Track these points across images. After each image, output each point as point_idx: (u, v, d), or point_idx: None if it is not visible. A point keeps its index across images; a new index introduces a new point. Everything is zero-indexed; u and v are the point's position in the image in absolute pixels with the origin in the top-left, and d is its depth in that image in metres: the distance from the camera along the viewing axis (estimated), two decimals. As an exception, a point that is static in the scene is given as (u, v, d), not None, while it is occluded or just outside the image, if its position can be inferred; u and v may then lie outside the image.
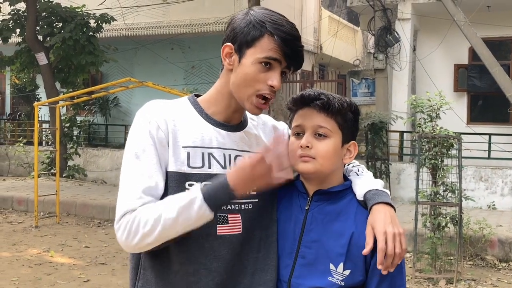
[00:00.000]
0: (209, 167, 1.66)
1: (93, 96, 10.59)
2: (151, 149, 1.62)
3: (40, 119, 11.65)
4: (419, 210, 6.43)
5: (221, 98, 1.71)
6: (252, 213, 1.72)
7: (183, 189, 1.62)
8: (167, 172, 1.64)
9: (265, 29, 1.61)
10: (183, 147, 1.65)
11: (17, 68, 13.71)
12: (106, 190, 11.47)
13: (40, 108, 10.05)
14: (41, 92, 14.99)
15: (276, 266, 1.74)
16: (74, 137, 14.02)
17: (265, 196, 1.76)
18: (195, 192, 1.53)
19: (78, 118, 14.75)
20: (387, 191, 1.75)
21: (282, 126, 1.90)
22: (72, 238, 8.26)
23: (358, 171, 1.83)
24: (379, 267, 1.59)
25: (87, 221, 9.53)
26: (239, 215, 1.68)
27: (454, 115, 9.32)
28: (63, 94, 12.08)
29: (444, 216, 6.30)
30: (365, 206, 1.71)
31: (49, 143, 14.84)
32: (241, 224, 1.68)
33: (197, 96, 1.79)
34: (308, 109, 1.74)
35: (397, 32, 11.69)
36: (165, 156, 1.64)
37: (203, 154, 1.67)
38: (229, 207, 1.66)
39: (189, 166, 1.64)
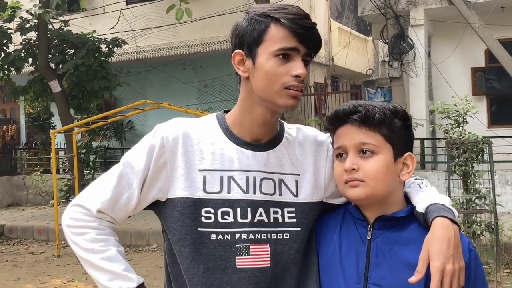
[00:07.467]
0: (229, 192, 1.49)
1: (109, 120, 10.54)
2: (142, 165, 1.51)
3: (56, 146, 11.60)
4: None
5: (245, 111, 1.54)
6: (288, 244, 1.52)
7: (199, 216, 1.48)
8: (175, 199, 1.50)
9: (269, 18, 1.45)
10: (199, 170, 1.50)
11: (31, 98, 13.72)
12: (125, 214, 11.37)
13: (55, 135, 10.00)
14: (56, 120, 15.00)
15: None
16: (91, 163, 13.97)
17: (309, 224, 1.58)
18: (131, 281, 1.56)
19: (94, 144, 14.74)
20: (454, 210, 1.50)
21: (328, 140, 1.64)
22: (95, 266, 8.13)
23: (422, 183, 1.59)
24: None
25: (109, 248, 9.40)
26: (267, 246, 1.49)
27: (474, 119, 9.12)
28: (77, 121, 12.05)
29: (479, 224, 6.08)
30: (424, 223, 1.47)
31: (66, 171, 14.80)
32: (269, 256, 1.49)
33: (227, 111, 1.62)
34: (347, 127, 1.51)
35: (410, 39, 11.53)
36: (156, 179, 1.52)
37: (221, 177, 1.50)
38: (252, 236, 1.48)
39: (205, 191, 1.49)
